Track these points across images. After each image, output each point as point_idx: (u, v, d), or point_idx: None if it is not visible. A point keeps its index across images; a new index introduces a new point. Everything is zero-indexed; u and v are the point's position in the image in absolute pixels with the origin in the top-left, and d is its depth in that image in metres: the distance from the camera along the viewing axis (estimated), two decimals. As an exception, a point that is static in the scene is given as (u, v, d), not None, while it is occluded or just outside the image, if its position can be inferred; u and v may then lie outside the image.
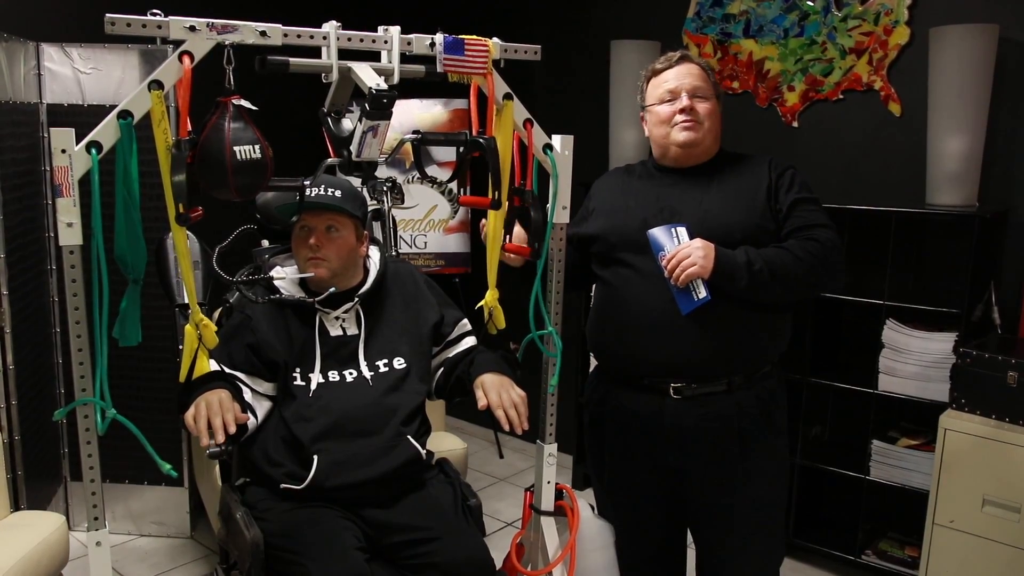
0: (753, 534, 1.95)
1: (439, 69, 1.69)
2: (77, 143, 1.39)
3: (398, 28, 1.67)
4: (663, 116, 1.91)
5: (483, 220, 1.89)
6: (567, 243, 1.95)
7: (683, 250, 1.77)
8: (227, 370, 1.88)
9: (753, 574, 2.02)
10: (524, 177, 1.80)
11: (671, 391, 1.88)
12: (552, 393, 1.96)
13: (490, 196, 1.77)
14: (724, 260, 1.78)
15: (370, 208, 2.87)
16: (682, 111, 1.88)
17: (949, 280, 2.67)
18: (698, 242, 1.78)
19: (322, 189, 1.90)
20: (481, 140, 1.72)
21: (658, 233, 1.84)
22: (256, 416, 1.88)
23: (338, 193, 1.92)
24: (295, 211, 1.88)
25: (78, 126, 1.42)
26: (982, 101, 2.52)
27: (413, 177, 3.67)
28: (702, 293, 1.79)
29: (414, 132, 1.79)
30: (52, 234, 2.92)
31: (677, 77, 1.90)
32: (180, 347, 2.79)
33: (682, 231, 1.82)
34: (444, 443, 2.83)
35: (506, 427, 1.79)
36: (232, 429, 1.65)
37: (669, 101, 1.90)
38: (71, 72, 2.84)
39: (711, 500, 1.93)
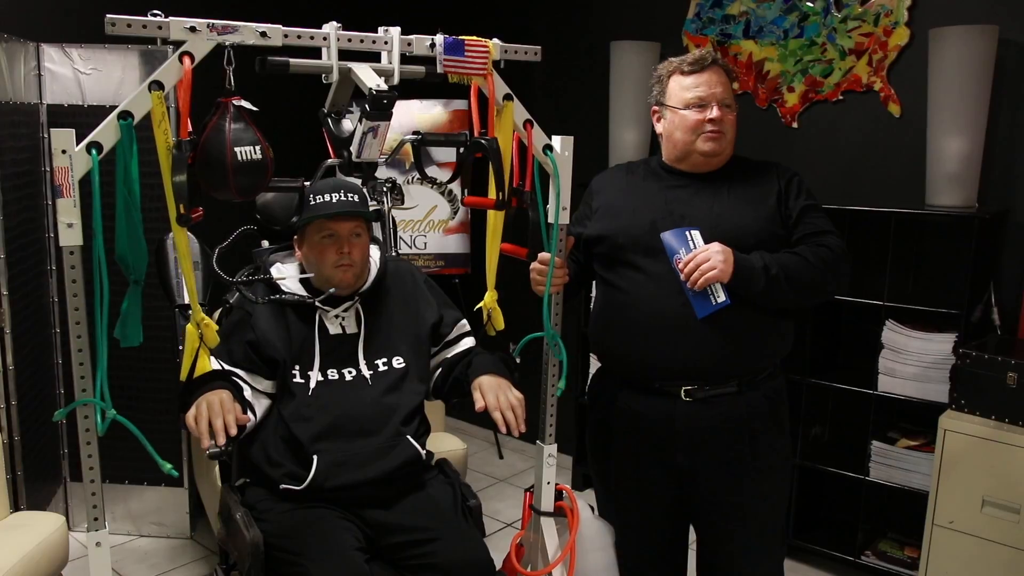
0: (760, 531, 1.96)
1: (439, 70, 1.69)
2: (77, 144, 1.39)
3: (398, 29, 1.67)
4: (690, 123, 1.87)
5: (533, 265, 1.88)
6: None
7: (701, 253, 1.76)
8: (226, 367, 1.88)
9: (760, 571, 2.02)
10: (524, 178, 1.80)
11: (682, 394, 1.87)
12: (559, 395, 1.96)
13: (494, 197, 1.77)
14: (742, 264, 1.77)
15: (370, 209, 2.89)
16: (711, 121, 1.86)
17: (949, 281, 2.67)
18: (716, 246, 1.77)
19: (342, 195, 1.90)
20: (483, 141, 1.72)
21: (671, 236, 1.82)
22: (255, 414, 1.88)
23: (356, 198, 1.92)
24: (321, 216, 1.89)
25: (78, 126, 1.42)
26: (982, 102, 2.52)
27: (413, 178, 3.67)
28: (721, 297, 1.77)
29: (414, 133, 1.79)
30: (52, 234, 2.92)
31: (708, 85, 1.87)
32: (180, 348, 2.79)
33: (696, 234, 1.81)
34: (444, 444, 2.83)
35: (503, 429, 1.79)
36: (233, 431, 1.65)
37: (697, 107, 1.87)
38: (71, 72, 2.84)
39: (720, 499, 1.93)
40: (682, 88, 1.89)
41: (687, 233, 1.81)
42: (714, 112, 1.86)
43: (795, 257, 1.82)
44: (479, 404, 1.83)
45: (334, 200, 1.89)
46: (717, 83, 1.87)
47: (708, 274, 1.75)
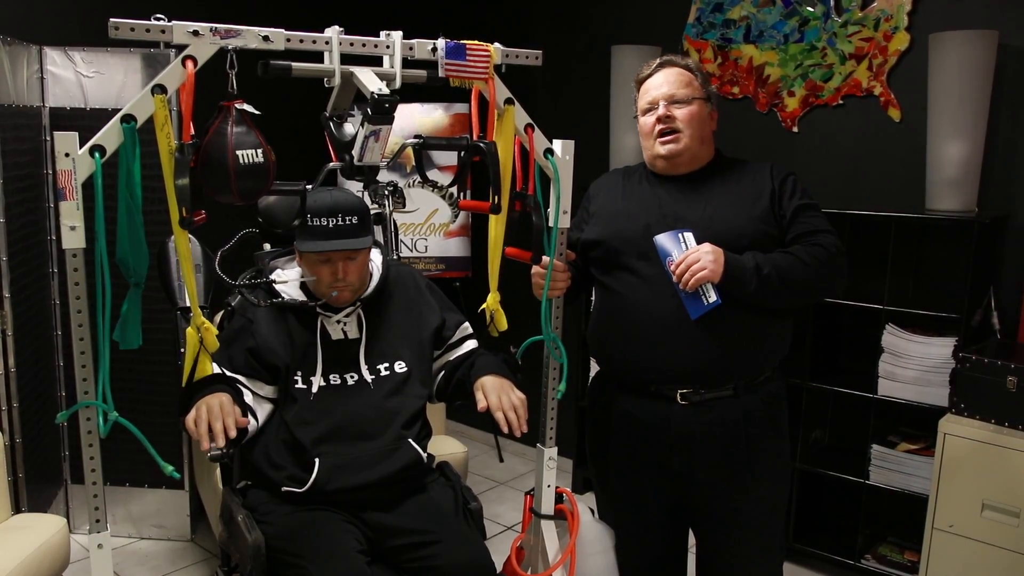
0: (758, 535, 1.96)
1: (441, 74, 1.69)
2: (80, 147, 1.40)
3: (400, 33, 1.67)
4: (645, 128, 1.92)
5: (533, 269, 1.89)
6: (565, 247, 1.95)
7: (692, 254, 1.77)
8: (228, 373, 1.88)
9: (759, 574, 2.03)
10: (526, 182, 1.81)
11: (678, 397, 1.88)
12: (559, 398, 1.96)
13: (490, 200, 1.77)
14: (734, 264, 1.78)
15: (372, 212, 2.89)
16: (659, 120, 1.88)
17: (949, 285, 2.67)
18: (707, 246, 1.78)
19: (340, 219, 1.84)
20: (481, 145, 1.72)
21: (665, 239, 1.83)
22: (257, 419, 1.88)
23: (354, 220, 1.86)
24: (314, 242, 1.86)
25: (81, 129, 1.42)
26: (981, 107, 2.53)
27: (414, 181, 3.67)
28: (712, 297, 1.78)
29: (416, 136, 1.79)
30: (54, 237, 2.92)
31: (655, 86, 1.91)
32: (181, 350, 2.80)
33: (689, 236, 1.82)
34: (445, 447, 2.83)
35: (505, 429, 1.79)
36: (232, 433, 1.66)
37: (650, 111, 1.90)
38: (74, 75, 2.85)
39: (717, 503, 1.93)
40: (641, 95, 1.95)
41: (680, 235, 1.82)
42: (660, 110, 1.87)
43: (788, 256, 1.81)
44: (481, 404, 1.83)
45: (330, 226, 1.84)
46: (664, 83, 1.89)
47: (699, 274, 1.75)
